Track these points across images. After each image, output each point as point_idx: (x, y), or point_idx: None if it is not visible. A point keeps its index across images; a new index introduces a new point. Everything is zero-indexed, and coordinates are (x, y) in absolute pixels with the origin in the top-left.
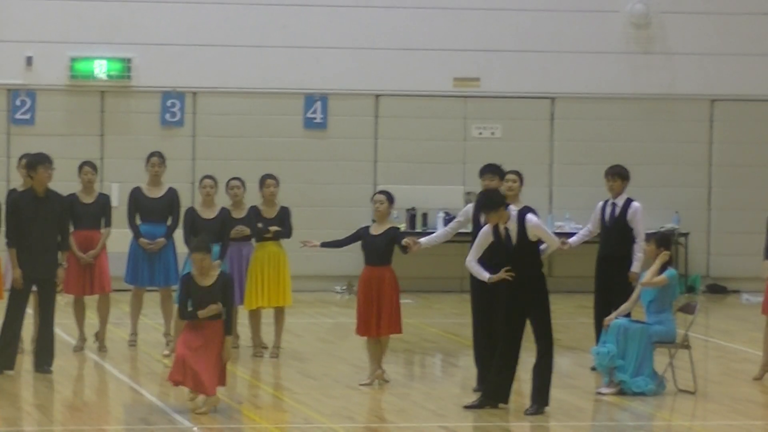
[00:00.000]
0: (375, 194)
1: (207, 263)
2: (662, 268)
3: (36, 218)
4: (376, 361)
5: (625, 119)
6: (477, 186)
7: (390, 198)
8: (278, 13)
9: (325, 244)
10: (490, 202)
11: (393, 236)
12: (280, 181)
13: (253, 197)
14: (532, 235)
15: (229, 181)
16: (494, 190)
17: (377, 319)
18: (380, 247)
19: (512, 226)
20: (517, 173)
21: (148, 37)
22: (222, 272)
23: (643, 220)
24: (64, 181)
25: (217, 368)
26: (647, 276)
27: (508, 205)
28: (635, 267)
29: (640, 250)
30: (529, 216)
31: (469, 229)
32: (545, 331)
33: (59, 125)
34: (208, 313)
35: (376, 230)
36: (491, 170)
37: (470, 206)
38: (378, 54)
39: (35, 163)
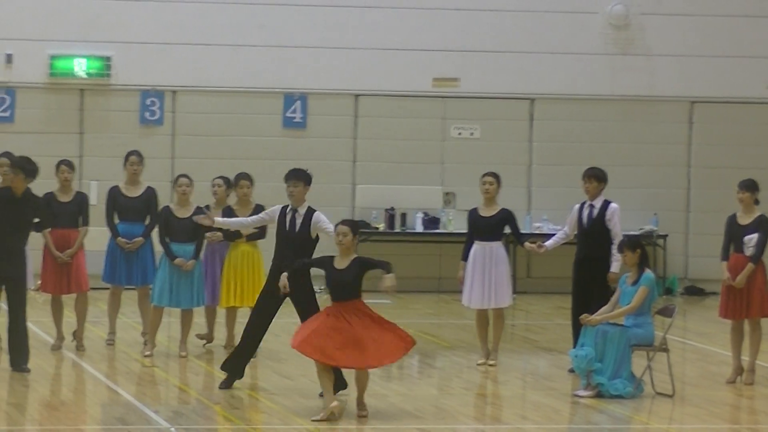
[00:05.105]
0: (338, 225)
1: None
2: (639, 272)
3: (9, 218)
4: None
5: (604, 120)
6: (456, 186)
7: (354, 229)
8: (258, 12)
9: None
10: None
11: (361, 266)
12: (255, 180)
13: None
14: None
15: (214, 179)
16: None
17: (356, 351)
18: (348, 282)
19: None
20: (494, 175)
21: (128, 36)
22: None
23: (620, 222)
24: (42, 179)
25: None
26: (633, 307)
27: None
28: (614, 268)
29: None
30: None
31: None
32: None
33: (38, 123)
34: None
35: (340, 263)
36: (295, 176)
37: (278, 207)
38: (357, 54)
39: (19, 169)
